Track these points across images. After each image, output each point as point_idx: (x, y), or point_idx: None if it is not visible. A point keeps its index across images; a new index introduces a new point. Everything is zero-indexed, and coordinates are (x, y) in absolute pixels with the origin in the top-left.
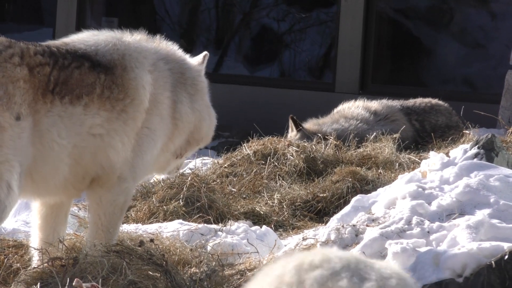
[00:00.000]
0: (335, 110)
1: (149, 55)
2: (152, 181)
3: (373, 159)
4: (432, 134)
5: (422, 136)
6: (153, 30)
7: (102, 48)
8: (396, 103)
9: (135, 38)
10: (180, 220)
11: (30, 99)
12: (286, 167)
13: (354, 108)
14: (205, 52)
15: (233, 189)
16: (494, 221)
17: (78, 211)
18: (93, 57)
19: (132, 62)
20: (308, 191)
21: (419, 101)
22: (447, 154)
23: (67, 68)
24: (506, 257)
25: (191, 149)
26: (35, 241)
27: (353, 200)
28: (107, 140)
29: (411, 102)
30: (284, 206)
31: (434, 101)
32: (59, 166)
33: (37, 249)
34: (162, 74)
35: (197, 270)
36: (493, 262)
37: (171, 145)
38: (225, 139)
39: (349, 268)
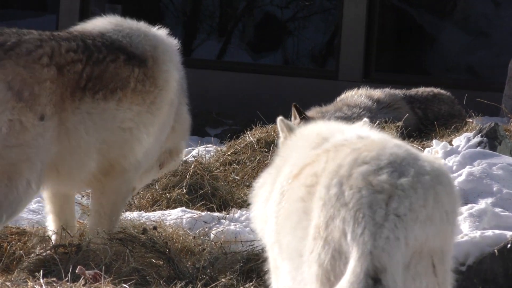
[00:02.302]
0: (338, 99)
1: (177, 52)
2: None
3: None
4: (435, 122)
5: (425, 124)
6: (156, 17)
7: (135, 38)
8: (398, 91)
9: (162, 32)
10: (183, 208)
11: (57, 99)
12: None
13: (357, 97)
14: None
15: (236, 177)
16: (497, 209)
17: (81, 198)
18: (128, 48)
19: (165, 55)
20: None
21: (422, 90)
22: (450, 143)
23: (101, 62)
24: (509, 245)
25: (169, 163)
26: (53, 226)
27: None
28: (135, 133)
29: (413, 91)
30: None
31: (437, 90)
32: (86, 161)
33: (54, 232)
34: (181, 75)
35: (200, 258)
36: (496, 250)
37: (163, 147)
38: (228, 127)
39: (395, 164)
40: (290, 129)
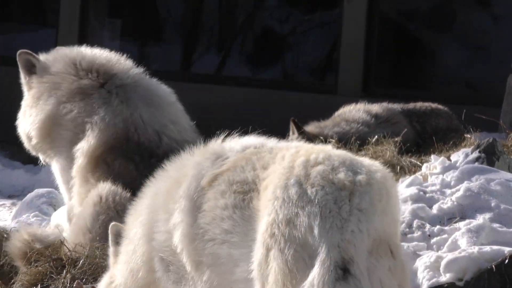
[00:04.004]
0: (336, 113)
1: None
2: None
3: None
4: (433, 137)
5: (423, 138)
6: (155, 31)
7: None
8: (396, 106)
9: None
10: None
11: None
12: None
13: (355, 111)
14: None
15: None
16: (495, 225)
17: None
18: None
19: None
20: None
21: (420, 104)
22: (448, 158)
23: None
24: (507, 261)
25: None
26: None
27: None
28: None
29: (411, 105)
30: None
31: (434, 105)
32: None
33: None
34: None
35: None
36: (493, 266)
37: None
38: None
39: (345, 164)
40: None
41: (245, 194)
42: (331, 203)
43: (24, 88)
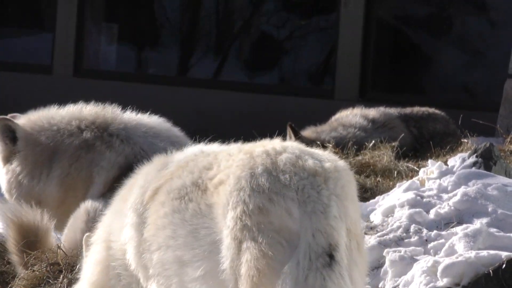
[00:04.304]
0: (333, 118)
1: None
2: None
3: (371, 167)
4: (430, 141)
5: (421, 142)
6: (152, 36)
7: None
8: (393, 110)
9: None
10: None
11: None
12: None
13: (352, 116)
14: None
15: None
16: (492, 230)
17: None
18: None
19: None
20: None
21: (417, 109)
22: (445, 163)
23: None
24: (504, 266)
25: None
26: None
27: None
28: None
29: (408, 109)
30: None
31: (431, 109)
32: None
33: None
34: None
35: None
36: (491, 271)
37: None
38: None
39: (305, 152)
40: None
41: (182, 198)
42: (308, 188)
43: (5, 157)
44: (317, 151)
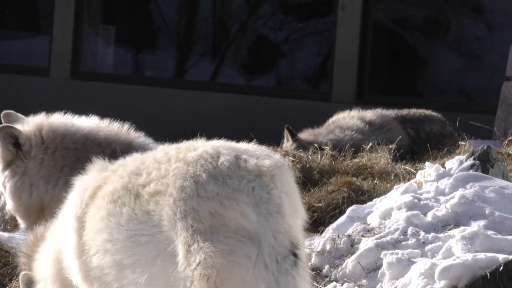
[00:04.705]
0: (331, 120)
1: None
2: None
3: (369, 169)
4: (427, 143)
5: (418, 143)
6: (150, 39)
7: None
8: (390, 112)
9: None
10: None
11: None
12: None
13: (349, 119)
14: None
15: None
16: (490, 232)
17: None
18: None
19: None
20: (304, 201)
21: (413, 110)
22: (442, 165)
23: None
24: (501, 268)
25: None
26: None
27: (349, 211)
28: None
29: (405, 111)
30: None
31: (428, 111)
32: None
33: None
34: None
35: None
36: (488, 273)
37: None
38: None
39: (240, 151)
40: None
41: (115, 202)
42: (258, 190)
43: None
44: (248, 147)
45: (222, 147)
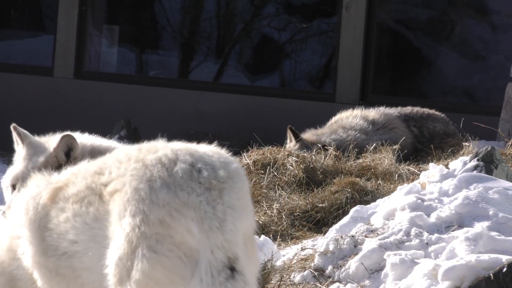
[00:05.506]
0: (333, 120)
1: None
2: None
3: (372, 170)
4: (431, 142)
5: (421, 142)
6: (154, 39)
7: None
8: (393, 110)
9: None
10: None
11: None
12: (285, 177)
13: (352, 118)
14: None
15: None
16: (493, 233)
17: None
18: None
19: None
20: (307, 201)
21: (417, 109)
22: (446, 166)
23: None
24: (505, 269)
25: None
26: None
27: (352, 211)
28: None
29: (408, 109)
30: (283, 216)
31: (431, 110)
32: None
33: None
34: None
35: None
36: (491, 274)
37: None
38: (224, 148)
39: (197, 159)
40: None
41: (81, 201)
42: (204, 205)
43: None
44: (207, 151)
45: (180, 152)
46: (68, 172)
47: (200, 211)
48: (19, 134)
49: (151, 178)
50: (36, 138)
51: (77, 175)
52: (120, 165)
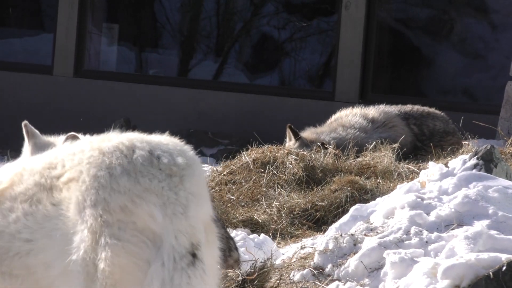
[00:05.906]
0: (333, 118)
1: None
2: None
3: (372, 168)
4: (431, 140)
5: (421, 140)
6: (153, 37)
7: None
8: (393, 108)
9: None
10: None
11: None
12: (285, 175)
13: (352, 116)
14: None
15: (231, 197)
16: (493, 232)
17: None
18: None
19: None
20: (307, 199)
21: (416, 107)
22: (446, 165)
23: None
24: (504, 268)
25: None
26: None
27: (352, 209)
28: None
29: (408, 107)
30: (283, 215)
31: (431, 109)
32: None
33: None
34: None
35: None
36: (491, 273)
37: None
38: (224, 147)
39: (154, 147)
40: None
41: (30, 199)
42: (166, 190)
43: None
44: (161, 140)
45: (136, 140)
46: (10, 171)
47: (163, 197)
48: (27, 132)
49: (110, 166)
50: (45, 138)
51: (22, 174)
52: (74, 156)
